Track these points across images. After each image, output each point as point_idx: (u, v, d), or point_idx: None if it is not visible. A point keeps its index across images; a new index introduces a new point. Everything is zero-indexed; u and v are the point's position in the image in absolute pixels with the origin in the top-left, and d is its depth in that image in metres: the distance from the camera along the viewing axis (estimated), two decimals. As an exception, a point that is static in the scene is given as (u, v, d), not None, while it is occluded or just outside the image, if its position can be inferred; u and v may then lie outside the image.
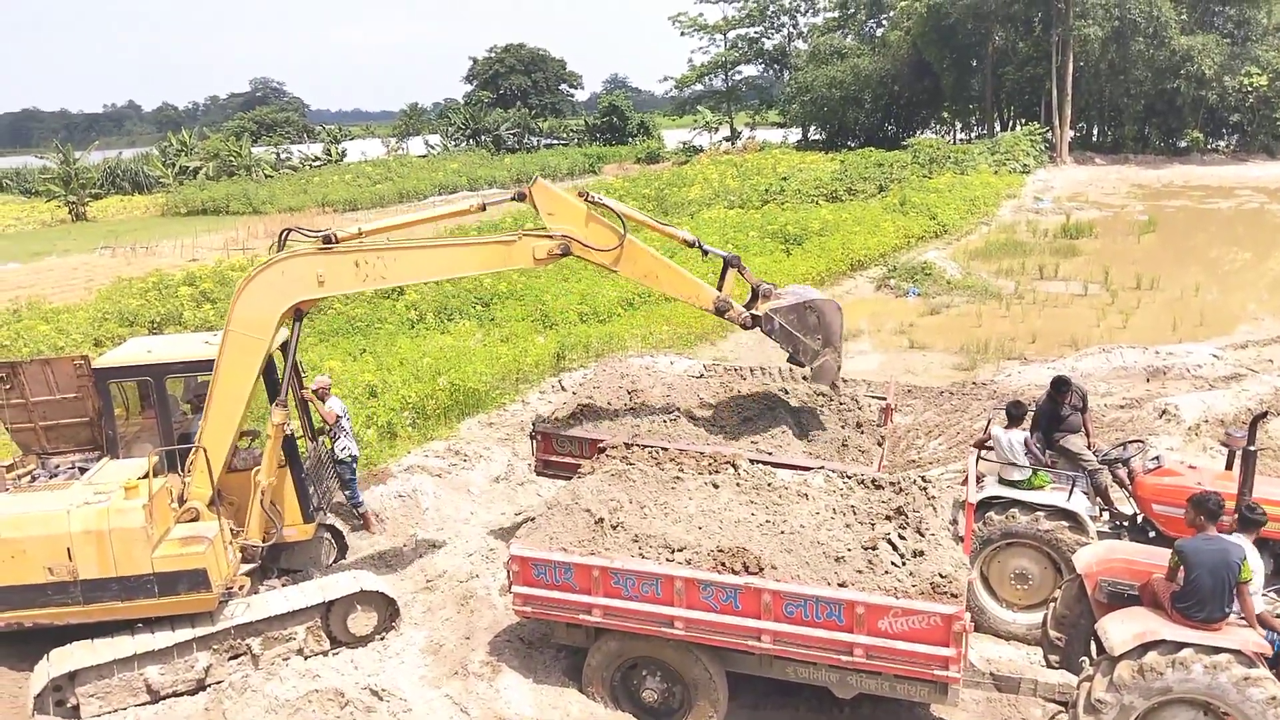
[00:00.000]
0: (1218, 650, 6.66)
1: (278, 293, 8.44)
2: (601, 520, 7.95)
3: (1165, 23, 53.21)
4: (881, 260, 28.71)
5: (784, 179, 42.04)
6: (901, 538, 7.59)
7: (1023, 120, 58.76)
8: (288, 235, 8.82)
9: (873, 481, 8.70)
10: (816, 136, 72.06)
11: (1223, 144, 58.75)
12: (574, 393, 12.78)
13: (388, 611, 8.95)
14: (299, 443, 9.86)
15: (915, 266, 27.25)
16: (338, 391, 12.12)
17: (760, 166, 50.87)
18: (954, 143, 59.89)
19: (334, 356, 17.65)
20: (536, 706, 7.75)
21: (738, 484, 8.69)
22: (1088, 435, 10.36)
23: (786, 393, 11.44)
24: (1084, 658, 7.48)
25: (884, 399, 11.31)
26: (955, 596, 6.86)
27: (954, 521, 8.16)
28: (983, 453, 10.10)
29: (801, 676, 7.49)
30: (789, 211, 33.87)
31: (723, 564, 7.32)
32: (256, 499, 8.74)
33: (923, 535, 7.61)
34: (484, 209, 9.77)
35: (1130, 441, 10.28)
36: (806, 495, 8.42)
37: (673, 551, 7.56)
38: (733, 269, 9.93)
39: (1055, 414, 10.18)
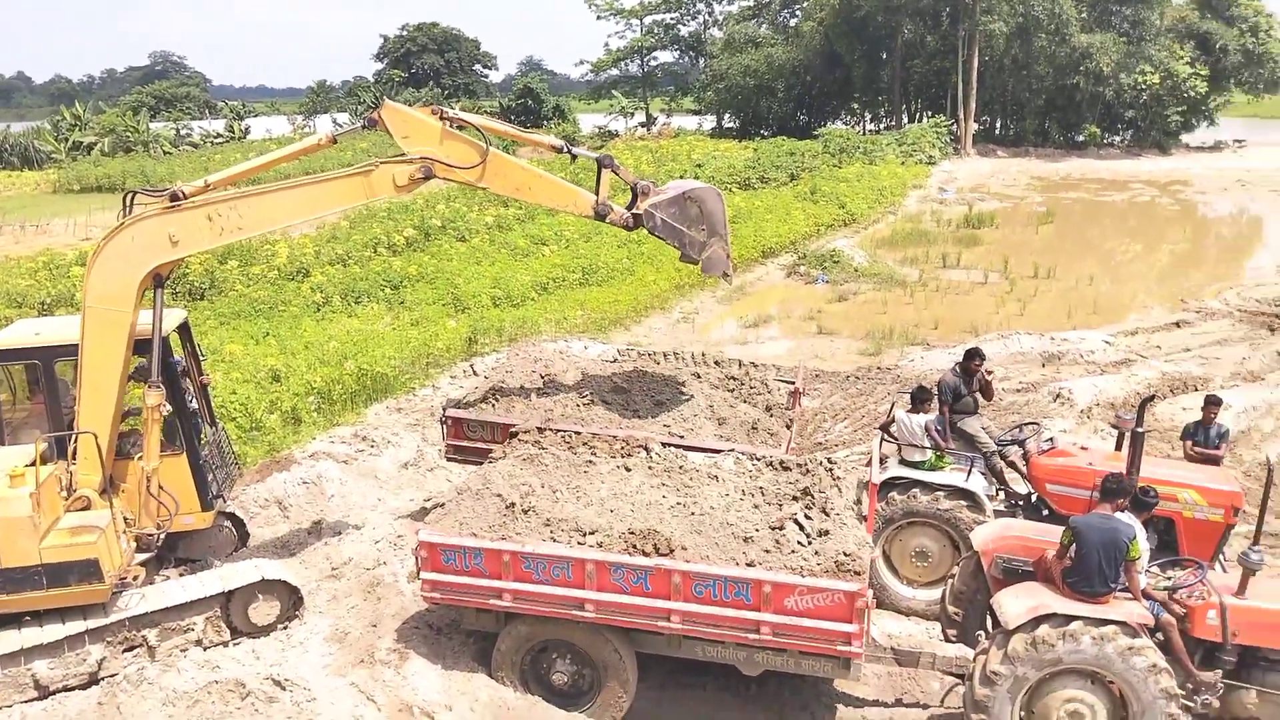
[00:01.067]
0: (1105, 622, 6.95)
1: (131, 260, 7.97)
2: (512, 505, 7.89)
3: (1066, 20, 55.12)
4: (792, 248, 29.14)
5: (699, 166, 42.26)
6: (808, 518, 7.72)
7: (929, 112, 60.32)
8: (133, 198, 8.33)
9: (780, 463, 8.83)
10: (731, 124, 72.61)
11: (1118, 139, 61.28)
12: (486, 377, 12.67)
13: (291, 600, 8.74)
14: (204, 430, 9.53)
15: (824, 254, 27.73)
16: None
17: (675, 153, 51.02)
18: (863, 133, 61.05)
19: (235, 340, 17.12)
20: (445, 692, 7.68)
21: (650, 467, 8.71)
22: (989, 395, 10.71)
23: (699, 377, 11.54)
24: (980, 631, 7.74)
25: (793, 383, 11.50)
26: (858, 574, 7.03)
27: (858, 501, 8.35)
28: (886, 435, 10.35)
29: (710, 655, 7.58)
30: (703, 198, 34.01)
31: (634, 546, 7.35)
32: (143, 485, 8.40)
33: (828, 515, 7.76)
34: (335, 142, 9.39)
35: (1025, 424, 10.66)
36: (717, 477, 8.50)
37: (584, 535, 7.56)
38: (607, 170, 9.50)
39: (966, 384, 10.50)
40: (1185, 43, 56.94)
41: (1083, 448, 10.12)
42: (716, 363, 12.47)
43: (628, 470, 8.65)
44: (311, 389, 14.66)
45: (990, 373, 10.75)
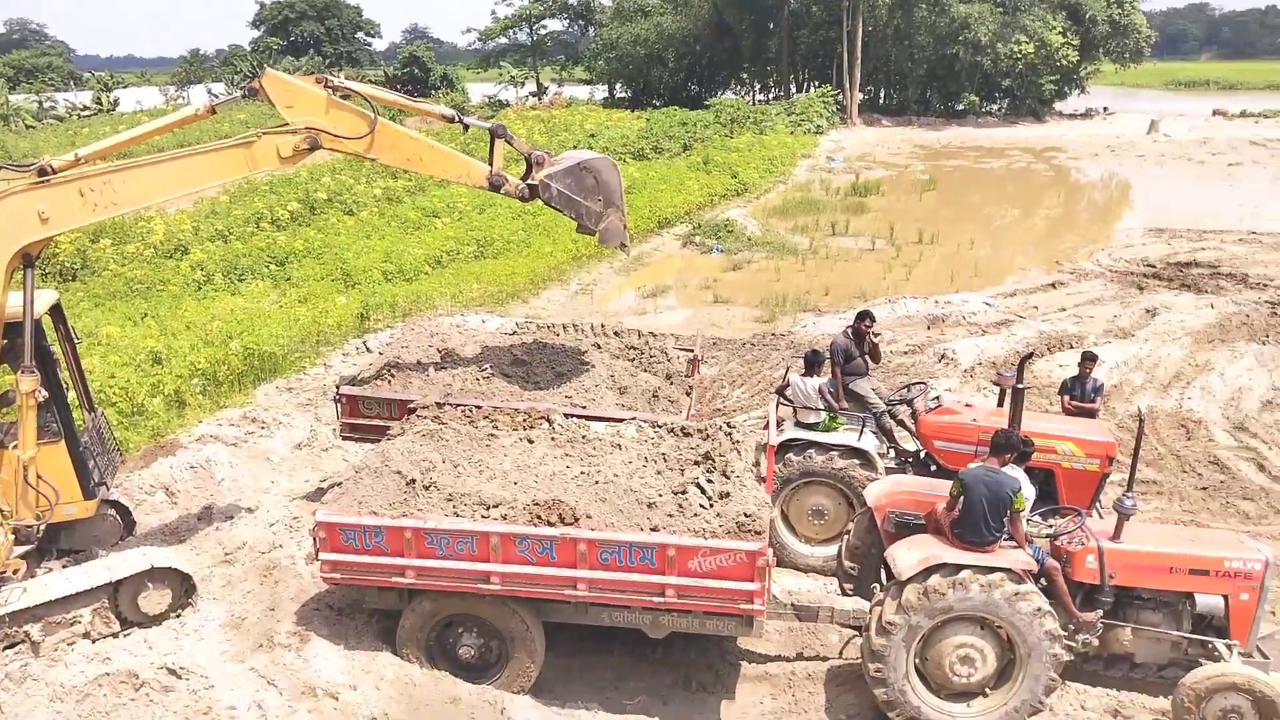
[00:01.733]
0: (992, 570, 7.28)
1: None
2: (413, 481, 7.78)
3: (946, -9, 56.69)
4: (687, 218, 29.31)
5: (592, 136, 42.07)
6: (709, 481, 7.84)
7: (817, 83, 61.26)
8: None
9: (682, 430, 8.93)
10: (623, 94, 72.38)
11: (996, 107, 63.37)
12: (380, 353, 12.42)
13: (183, 588, 8.44)
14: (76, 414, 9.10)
15: (719, 224, 28.01)
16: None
17: (568, 123, 50.64)
18: (753, 103, 61.61)
19: (112, 322, 16.33)
20: (349, 673, 7.56)
21: (552, 438, 8.70)
22: (876, 358, 11.07)
23: (600, 347, 11.58)
24: (875, 584, 8.02)
25: (691, 351, 11.64)
26: (758, 534, 7.19)
27: (756, 464, 8.53)
28: (782, 399, 10.59)
29: (616, 621, 7.64)
30: (596, 169, 33.88)
31: (538, 517, 7.35)
32: (19, 475, 7.99)
33: (728, 478, 7.91)
34: (213, 112, 8.95)
35: (913, 384, 11.05)
36: (620, 446, 8.54)
37: (488, 508, 7.52)
38: (500, 140, 9.36)
39: (857, 347, 10.79)
40: (1057, 13, 59.15)
41: (967, 405, 10.55)
42: (616, 333, 12.51)
43: (530, 442, 8.62)
44: (195, 371, 14.11)
45: (877, 335, 11.08)
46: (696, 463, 8.24)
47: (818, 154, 45.91)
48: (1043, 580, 7.71)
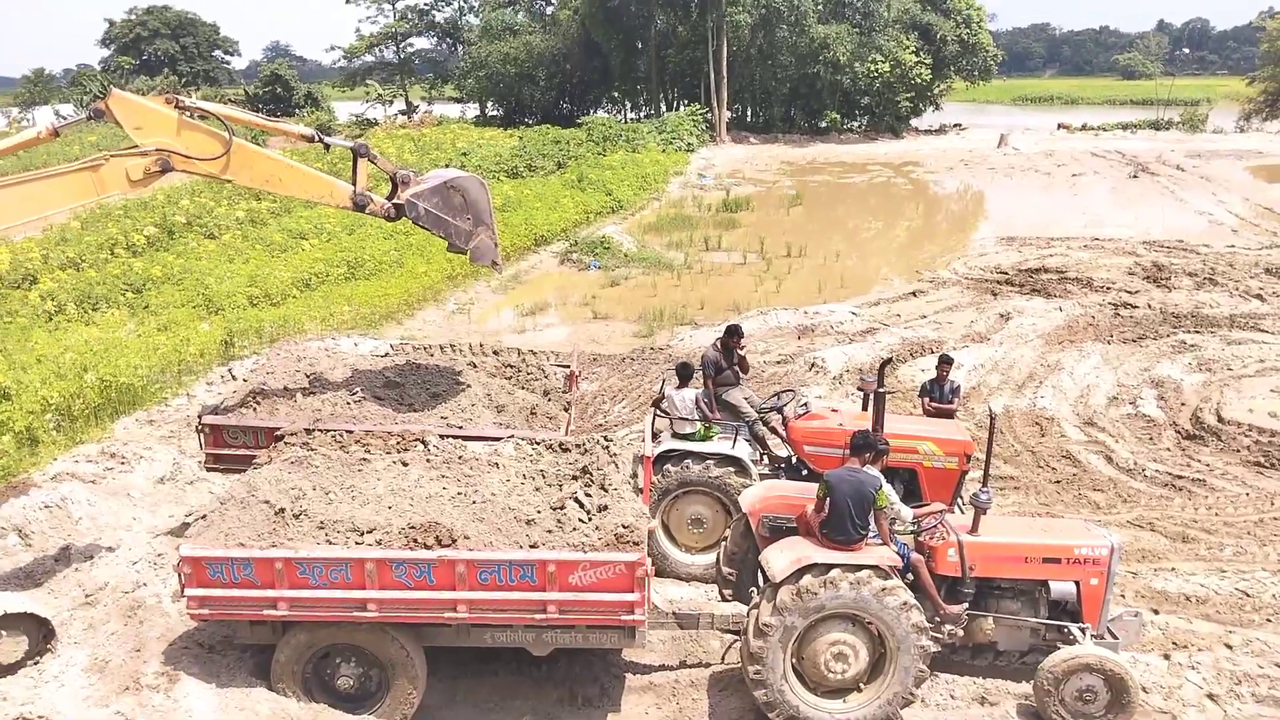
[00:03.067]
0: (860, 567, 7.52)
1: None
2: (282, 510, 7.53)
3: (805, 12, 58.50)
4: (564, 235, 29.42)
5: (464, 154, 41.76)
6: (587, 495, 7.88)
7: (686, 101, 62.29)
8: None
9: (560, 445, 8.95)
10: (494, 112, 72.05)
11: (856, 124, 65.75)
12: (245, 380, 12.04)
13: (40, 634, 7.99)
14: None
15: (595, 241, 28.21)
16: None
17: (439, 141, 50.11)
18: (625, 121, 62.32)
19: (-49, 356, 15.32)
20: (221, 710, 7.29)
21: (428, 460, 8.58)
22: (745, 369, 11.34)
23: (476, 366, 11.51)
24: (753, 589, 8.20)
25: (568, 366, 11.69)
26: (637, 544, 7.25)
27: (634, 476, 8.62)
28: (658, 411, 10.76)
29: (499, 641, 7.56)
30: (470, 187, 33.65)
31: (415, 540, 7.21)
32: None
33: (606, 491, 7.95)
34: (57, 134, 8.49)
35: (782, 392, 11.38)
36: (498, 464, 8.49)
37: (362, 534, 7.36)
38: (364, 159, 9.26)
39: (726, 359, 11.05)
40: (910, 33, 61.86)
41: (834, 410, 10.92)
42: (495, 352, 12.46)
43: (405, 465, 8.48)
44: (48, 405, 13.35)
45: (744, 347, 11.36)
46: (574, 477, 8.26)
47: (689, 171, 46.72)
48: (909, 575, 8.04)
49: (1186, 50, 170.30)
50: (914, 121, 66.78)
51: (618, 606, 7.23)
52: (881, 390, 9.69)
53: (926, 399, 11.89)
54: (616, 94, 71.45)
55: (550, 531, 7.45)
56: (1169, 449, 13.88)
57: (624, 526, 7.38)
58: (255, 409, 10.12)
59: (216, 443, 10.03)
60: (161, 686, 7.49)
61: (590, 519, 7.60)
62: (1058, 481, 12.74)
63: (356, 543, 7.29)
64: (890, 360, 11.28)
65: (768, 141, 60.50)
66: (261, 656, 7.81)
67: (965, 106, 78.89)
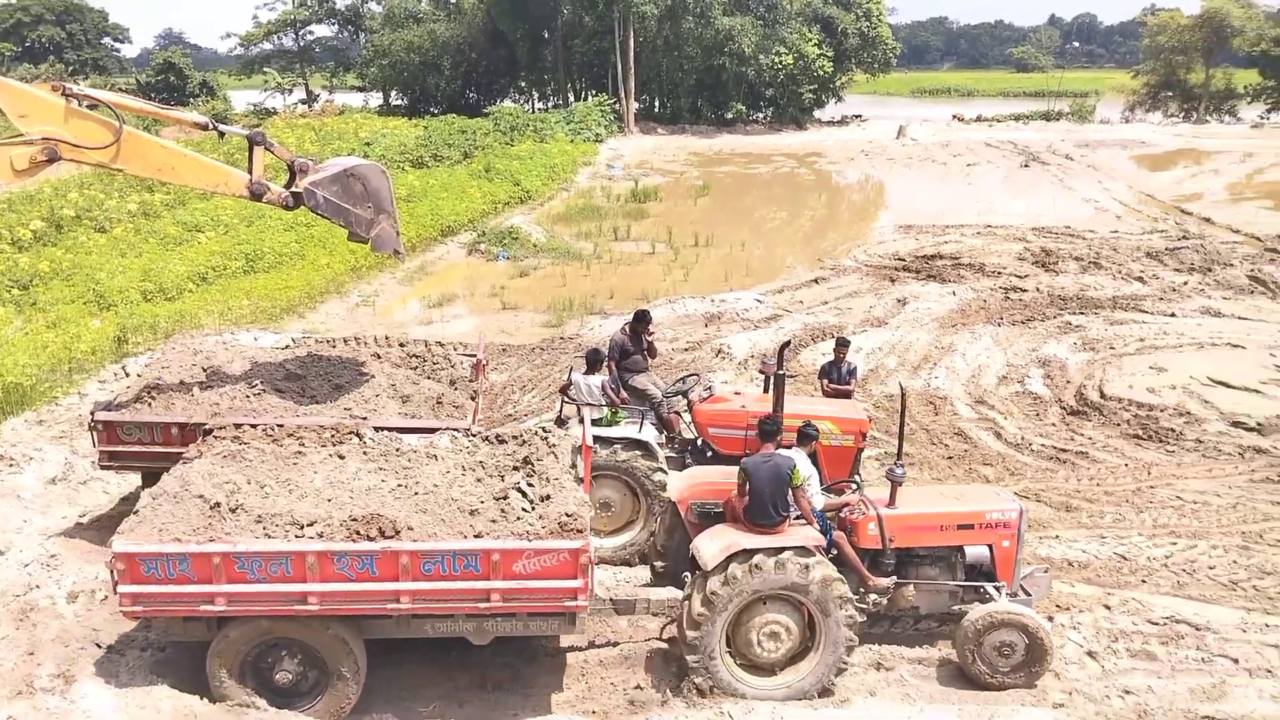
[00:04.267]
0: (783, 549, 7.76)
1: None
2: (218, 505, 7.39)
3: (710, 4, 59.01)
4: (471, 226, 29.24)
5: (367, 144, 41.05)
6: (530, 485, 7.93)
7: (594, 91, 62.21)
8: None
9: (497, 437, 8.96)
10: (399, 102, 70.87)
11: (761, 115, 66.51)
12: (139, 376, 11.74)
13: (-77, 642, 7.73)
14: None
15: (503, 231, 28.12)
16: None
17: (341, 131, 49.13)
18: (533, 111, 61.94)
19: None
20: (123, 710, 7.15)
21: (364, 453, 8.48)
22: (653, 354, 11.55)
23: (380, 357, 11.44)
24: (685, 573, 8.39)
25: (475, 355, 11.70)
26: (580, 532, 7.35)
27: (573, 465, 8.70)
28: (566, 398, 10.87)
29: (440, 631, 7.57)
30: (374, 178, 33.14)
31: (357, 533, 7.16)
32: None
33: (548, 481, 8.02)
34: None
35: (687, 376, 11.62)
36: (436, 456, 8.45)
37: (302, 527, 7.24)
38: (260, 147, 9.13)
39: (634, 344, 11.21)
40: (813, 26, 62.90)
41: (736, 393, 11.20)
42: (401, 344, 12.38)
43: (341, 458, 8.38)
44: (-74, 407, 12.82)
45: (652, 333, 11.57)
46: (515, 468, 8.28)
47: (598, 161, 46.80)
48: (833, 551, 8.35)
49: (1076, 44, 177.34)
50: (817, 113, 67.94)
51: (562, 593, 7.31)
52: (781, 373, 9.98)
53: (825, 380, 12.26)
54: (524, 84, 70.96)
55: (494, 521, 7.48)
56: (1054, 424, 14.58)
57: (567, 515, 7.45)
58: (150, 404, 9.90)
59: (110, 440, 9.78)
60: (57, 689, 7.33)
61: (533, 508, 7.65)
62: (950, 457, 13.28)
63: (297, 536, 7.20)
64: (789, 344, 11.60)
65: (675, 132, 60.89)
66: (162, 655, 7.70)
67: (866, 98, 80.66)
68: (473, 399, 10.66)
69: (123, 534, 7.12)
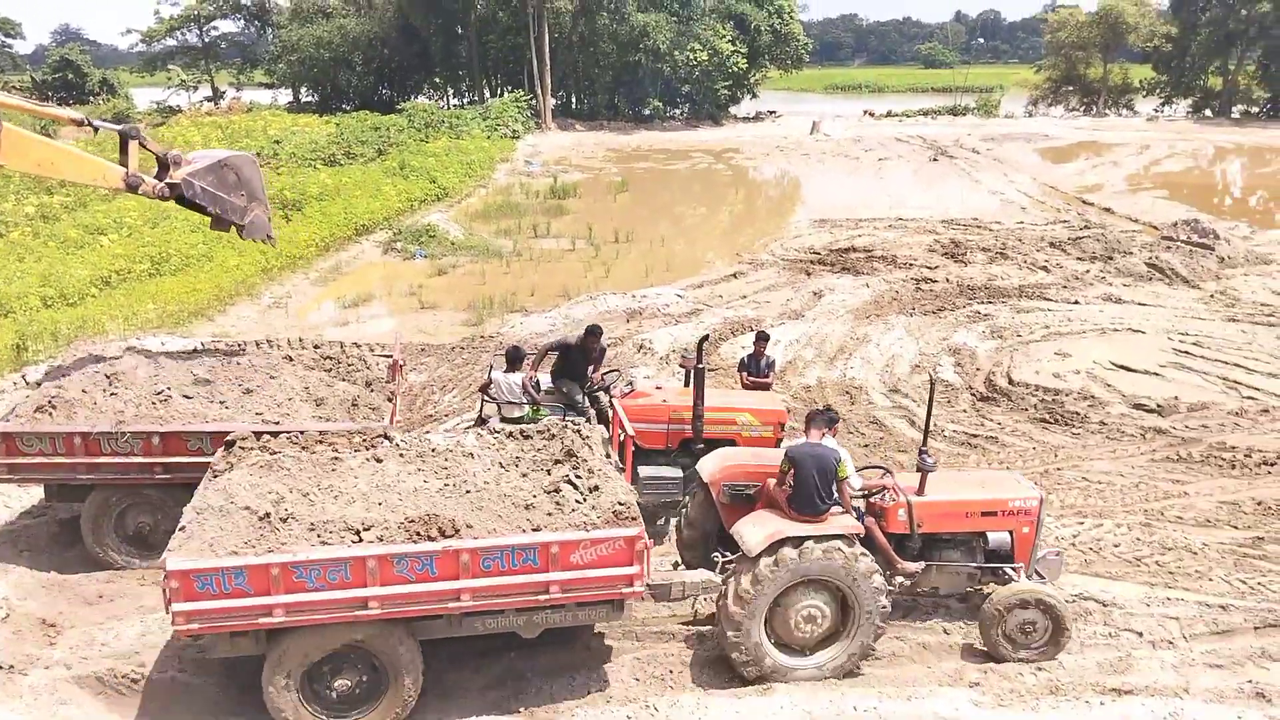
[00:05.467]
0: (827, 538, 8.03)
1: None
2: (267, 515, 7.29)
3: (624, 0, 59.09)
4: (386, 224, 28.79)
5: (277, 142, 40.06)
6: (579, 477, 8.05)
7: (510, 88, 61.74)
8: None
9: (522, 433, 8.98)
10: (309, 98, 69.26)
11: (678, 112, 66.91)
12: (38, 383, 11.28)
13: None
14: None
15: (420, 229, 27.76)
16: None
17: (250, 128, 47.82)
18: (448, 108, 61.21)
19: None
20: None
21: (401, 455, 8.46)
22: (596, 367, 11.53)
23: (292, 360, 11.21)
24: (715, 554, 8.63)
25: (391, 356, 11.54)
26: (634, 519, 7.58)
27: (607, 456, 8.74)
28: (485, 396, 10.79)
29: (490, 628, 7.64)
30: (285, 176, 32.45)
31: (417, 533, 7.18)
32: None
33: (592, 473, 8.15)
34: None
35: (608, 372, 11.64)
36: (472, 455, 8.47)
37: (358, 532, 7.19)
38: (134, 141, 9.36)
39: (579, 354, 11.16)
40: (726, 23, 63.45)
41: (658, 387, 11.27)
42: (315, 346, 12.15)
43: (379, 461, 8.32)
44: None
45: (600, 348, 11.56)
46: (558, 461, 8.36)
47: (516, 158, 46.51)
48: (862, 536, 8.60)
49: (981, 40, 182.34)
50: (733, 109, 68.58)
51: (618, 580, 7.47)
52: (701, 366, 10.09)
53: (744, 373, 12.41)
54: (438, 80, 70.05)
55: (550, 514, 7.60)
56: (965, 410, 15.01)
57: (620, 503, 7.67)
58: (51, 414, 9.53)
59: (9, 451, 9.38)
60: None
61: (585, 499, 7.79)
62: (866, 445, 13.55)
63: (354, 541, 7.13)
64: (707, 338, 11.72)
65: (593, 128, 60.85)
66: (70, 673, 7.41)
67: (781, 94, 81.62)
68: (390, 400, 10.51)
69: (173, 551, 6.92)
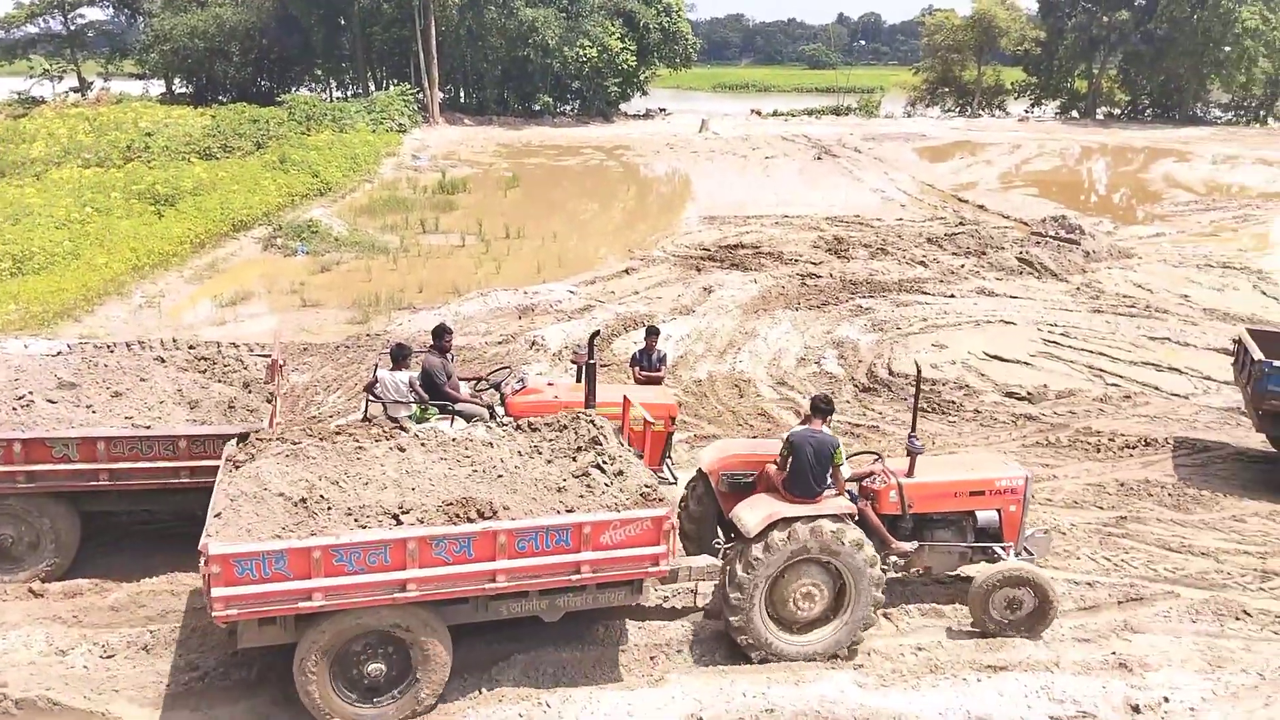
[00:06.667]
0: (822, 518, 8.28)
1: None
2: (303, 500, 7.38)
3: (512, -6, 58.63)
4: (266, 219, 27.88)
5: (149, 135, 38.29)
6: (606, 462, 8.30)
7: (395, 81, 60.51)
8: None
9: (529, 425, 9.13)
10: (183, 89, 66.47)
11: (569, 108, 66.77)
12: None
13: None
14: None
15: (302, 225, 27.01)
16: None
17: (120, 121, 45.57)
18: (331, 100, 59.57)
19: None
20: None
21: (422, 444, 8.58)
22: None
23: (164, 361, 10.77)
24: (715, 540, 8.89)
25: (270, 355, 11.18)
26: (662, 500, 7.88)
27: (622, 444, 8.89)
28: (371, 395, 10.56)
29: (514, 612, 7.76)
30: (158, 170, 31.08)
31: (456, 515, 7.29)
32: None
33: (614, 459, 8.38)
34: None
35: (498, 369, 11.55)
36: (492, 444, 8.59)
37: (398, 515, 7.29)
38: None
39: (443, 359, 10.95)
40: (615, 20, 63.61)
41: (549, 384, 11.24)
42: (190, 346, 11.69)
43: (402, 450, 8.43)
44: None
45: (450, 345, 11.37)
46: (580, 449, 8.59)
47: (403, 152, 45.67)
48: (856, 517, 8.78)
49: (863, 42, 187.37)
50: (623, 106, 68.79)
51: (645, 559, 7.71)
52: (592, 362, 10.09)
53: (636, 368, 12.49)
54: (320, 72, 68.13)
55: (581, 496, 7.88)
56: (849, 401, 15.44)
57: (646, 486, 8.01)
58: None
59: None
60: None
61: (612, 483, 8.06)
62: (754, 437, 13.80)
63: (393, 524, 7.23)
64: (598, 333, 11.74)
65: (483, 123, 60.20)
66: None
67: (670, 92, 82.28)
68: (269, 401, 10.19)
69: (213, 536, 6.88)
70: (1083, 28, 69.86)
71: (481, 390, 11.13)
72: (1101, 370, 17.04)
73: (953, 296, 21.63)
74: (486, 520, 7.33)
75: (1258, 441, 13.55)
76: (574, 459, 8.51)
